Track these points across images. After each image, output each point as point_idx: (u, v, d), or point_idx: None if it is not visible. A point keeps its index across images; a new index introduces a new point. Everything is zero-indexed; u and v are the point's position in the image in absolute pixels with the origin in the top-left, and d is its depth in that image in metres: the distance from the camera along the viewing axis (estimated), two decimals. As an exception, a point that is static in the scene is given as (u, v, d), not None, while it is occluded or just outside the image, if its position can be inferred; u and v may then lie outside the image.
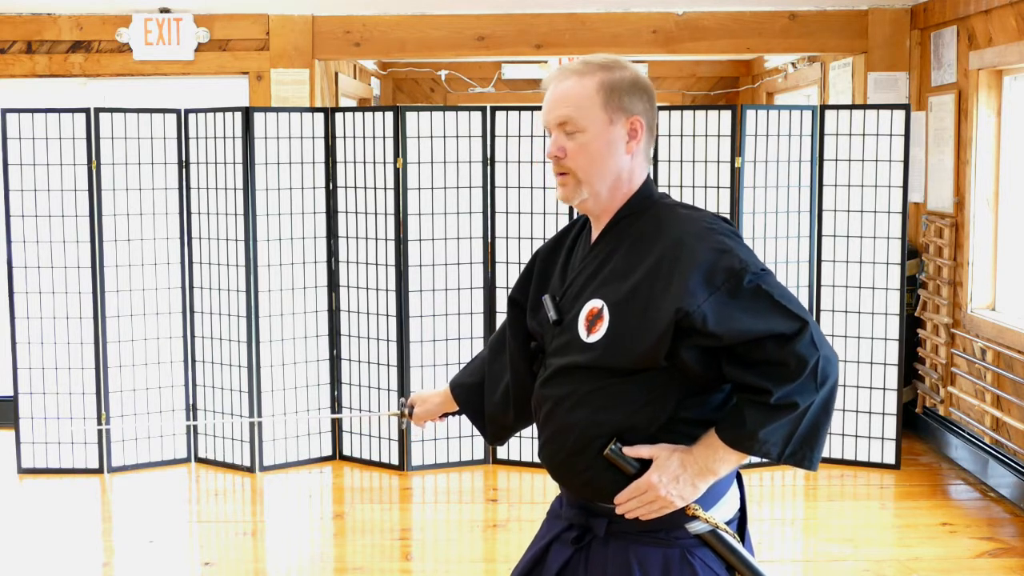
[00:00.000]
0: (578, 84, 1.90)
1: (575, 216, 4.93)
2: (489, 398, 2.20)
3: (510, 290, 2.17)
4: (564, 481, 1.98)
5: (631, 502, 1.86)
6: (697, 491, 1.85)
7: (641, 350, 1.82)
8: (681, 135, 4.93)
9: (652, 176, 2.08)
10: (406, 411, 2.37)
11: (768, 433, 1.78)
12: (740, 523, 1.97)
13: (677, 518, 1.87)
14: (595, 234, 1.99)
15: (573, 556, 1.95)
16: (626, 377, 1.85)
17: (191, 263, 5.18)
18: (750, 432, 1.79)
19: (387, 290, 5.04)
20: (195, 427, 5.23)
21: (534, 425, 2.09)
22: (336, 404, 5.24)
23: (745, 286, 1.78)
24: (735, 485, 1.97)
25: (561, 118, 1.90)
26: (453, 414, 2.34)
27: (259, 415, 5.05)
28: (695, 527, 1.88)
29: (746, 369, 1.79)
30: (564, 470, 1.95)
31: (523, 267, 2.16)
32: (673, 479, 1.83)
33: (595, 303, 1.89)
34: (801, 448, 1.80)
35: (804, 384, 1.77)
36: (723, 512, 1.91)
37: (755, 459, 1.91)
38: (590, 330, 1.88)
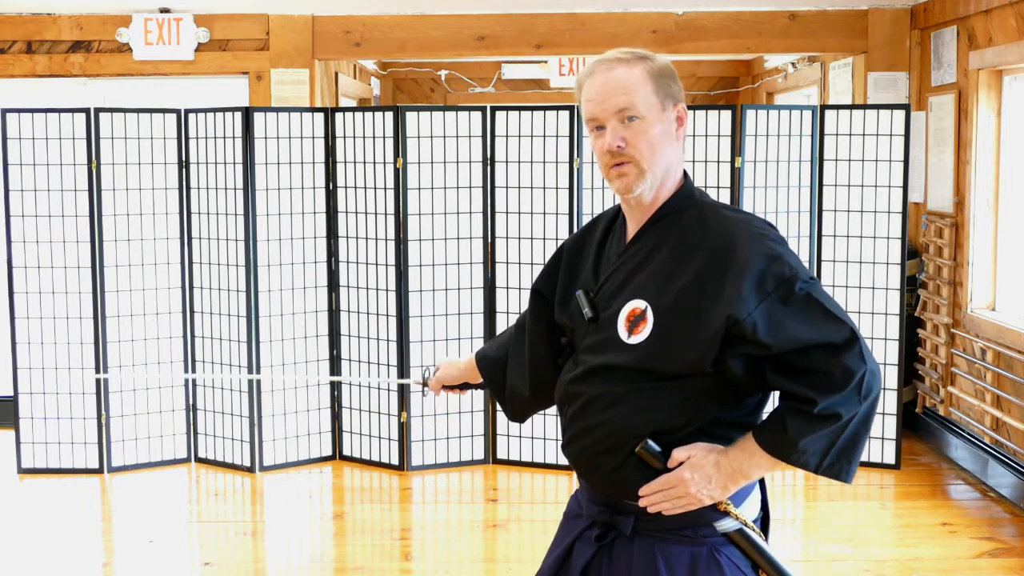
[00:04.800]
0: (630, 72, 1.87)
1: (574, 216, 4.94)
2: (510, 377, 2.18)
3: (533, 282, 2.15)
4: (591, 478, 1.96)
5: (657, 495, 1.84)
6: (727, 492, 1.84)
7: (689, 356, 1.79)
8: (685, 133, 4.92)
9: None
10: (428, 374, 2.36)
11: (808, 443, 1.76)
12: (763, 523, 1.97)
13: (706, 516, 1.87)
14: (631, 230, 1.95)
15: (596, 554, 1.93)
16: (666, 381, 1.83)
17: (191, 263, 5.18)
18: (791, 440, 1.77)
19: (387, 290, 5.04)
20: (194, 416, 5.23)
21: (539, 427, 2.06)
22: (336, 403, 5.25)
23: (796, 293, 1.76)
24: (758, 486, 1.96)
25: (621, 105, 1.86)
26: (476, 387, 2.33)
27: (259, 415, 5.05)
28: (723, 525, 1.88)
29: (791, 377, 1.77)
30: (593, 467, 1.92)
31: (549, 259, 2.13)
32: (705, 479, 1.82)
33: (637, 304, 1.86)
34: (839, 461, 1.79)
35: (848, 396, 1.75)
36: (747, 512, 1.91)
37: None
38: (631, 331, 1.85)
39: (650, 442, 1.84)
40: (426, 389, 2.40)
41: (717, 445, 1.85)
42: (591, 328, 1.93)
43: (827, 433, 1.77)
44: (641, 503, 1.86)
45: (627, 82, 1.87)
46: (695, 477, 1.82)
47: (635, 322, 1.85)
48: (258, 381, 5.04)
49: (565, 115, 4.95)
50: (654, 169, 1.88)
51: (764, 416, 1.90)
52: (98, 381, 5.07)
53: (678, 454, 1.83)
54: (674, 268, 1.85)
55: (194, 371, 5.22)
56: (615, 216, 2.03)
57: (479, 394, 5.11)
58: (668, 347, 1.81)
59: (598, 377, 1.90)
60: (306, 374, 5.15)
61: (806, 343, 1.75)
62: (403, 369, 5.02)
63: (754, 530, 1.90)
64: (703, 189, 5.04)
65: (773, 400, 1.90)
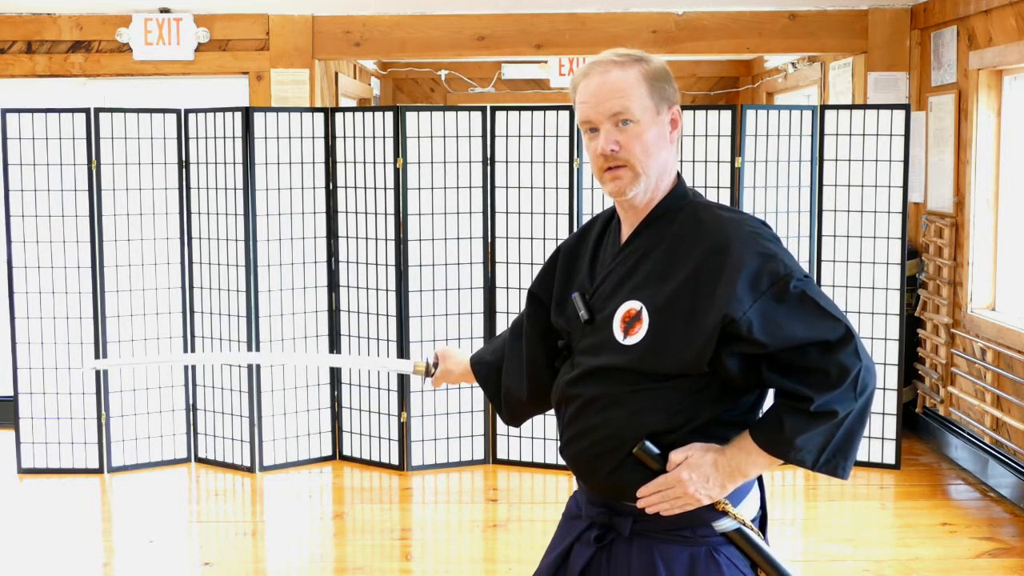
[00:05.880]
0: (624, 75, 1.87)
1: (574, 216, 4.93)
2: (507, 381, 2.18)
3: (530, 284, 2.14)
4: (589, 479, 1.95)
5: (655, 496, 1.84)
6: (725, 491, 1.84)
7: (685, 356, 1.79)
8: (681, 135, 4.92)
9: None
10: (431, 365, 2.38)
11: (805, 440, 1.77)
12: (761, 522, 1.97)
13: (704, 516, 1.87)
14: (626, 232, 1.95)
15: (595, 555, 1.93)
16: (663, 381, 1.83)
17: (191, 263, 5.18)
18: (788, 438, 1.77)
19: (387, 290, 5.04)
20: (194, 416, 5.23)
21: (539, 427, 2.04)
22: (336, 403, 5.25)
23: (791, 292, 1.76)
24: (756, 485, 1.96)
25: (615, 109, 1.86)
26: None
27: (259, 415, 5.05)
28: (721, 525, 1.88)
29: (787, 375, 1.78)
30: (591, 469, 1.92)
31: (545, 262, 2.13)
32: (703, 478, 1.82)
33: (632, 305, 1.86)
34: (835, 457, 1.80)
35: (844, 393, 1.75)
36: (746, 511, 1.91)
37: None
38: (627, 332, 1.85)
39: (647, 443, 1.84)
40: (427, 380, 2.41)
41: (714, 444, 1.85)
42: (587, 330, 1.93)
43: (823, 430, 1.77)
44: (639, 504, 1.86)
45: (622, 85, 1.86)
46: (693, 477, 1.82)
47: (631, 323, 1.85)
48: (258, 382, 5.04)
49: (565, 115, 4.95)
50: (648, 172, 1.88)
51: (760, 414, 1.90)
52: (98, 381, 5.07)
53: (675, 456, 1.83)
54: (669, 268, 1.85)
55: (195, 381, 5.22)
56: (610, 218, 2.03)
57: (479, 394, 5.11)
58: (664, 347, 1.82)
59: (595, 379, 1.90)
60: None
61: (801, 341, 1.75)
62: (402, 375, 5.01)
63: (752, 529, 1.90)
64: (699, 190, 5.05)
65: (770, 398, 1.91)
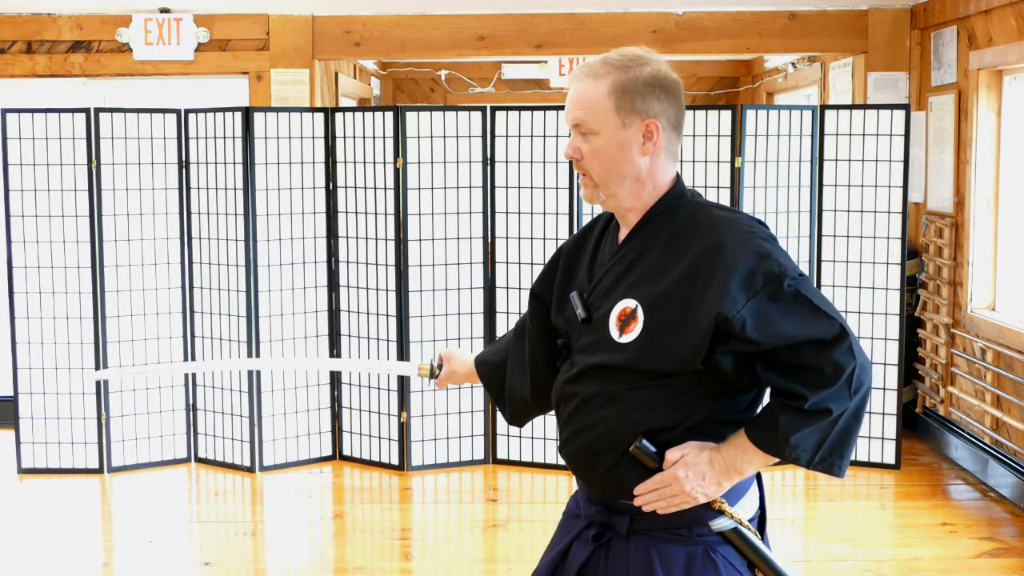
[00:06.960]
0: (592, 87, 1.88)
1: (574, 216, 4.94)
2: (510, 381, 2.19)
3: (531, 284, 2.17)
4: (587, 478, 1.96)
5: (651, 494, 1.85)
6: (721, 489, 1.85)
7: (679, 354, 1.80)
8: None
9: None
10: (436, 367, 2.39)
11: (800, 438, 1.77)
12: (760, 522, 1.97)
13: (701, 515, 1.87)
14: (623, 232, 1.97)
15: (593, 554, 1.94)
16: (658, 379, 1.84)
17: (191, 263, 5.18)
18: (783, 437, 1.78)
19: (387, 290, 5.04)
20: (194, 415, 5.23)
21: (539, 427, 2.04)
22: (336, 403, 5.25)
23: (785, 291, 1.77)
24: (755, 484, 1.97)
25: (575, 120, 1.90)
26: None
27: (259, 415, 5.05)
28: (718, 524, 1.88)
29: (781, 374, 1.79)
30: (588, 467, 1.93)
31: (547, 262, 2.14)
32: (700, 476, 1.83)
33: (628, 303, 1.87)
34: (830, 455, 1.80)
35: (839, 391, 1.76)
36: (744, 510, 1.92)
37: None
38: (623, 330, 1.86)
39: (644, 441, 1.84)
40: (432, 382, 2.42)
41: (710, 443, 1.86)
42: (585, 328, 1.95)
43: (818, 428, 1.78)
44: (636, 502, 1.87)
45: (586, 97, 1.89)
46: (689, 475, 1.82)
47: (626, 321, 1.87)
48: (258, 382, 5.04)
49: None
50: (608, 184, 1.90)
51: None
52: (98, 381, 5.07)
53: (671, 455, 1.84)
54: (664, 267, 1.86)
55: (195, 381, 5.22)
56: (611, 218, 2.04)
57: (479, 394, 5.11)
58: (658, 345, 1.83)
59: (592, 377, 1.91)
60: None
61: (795, 339, 1.76)
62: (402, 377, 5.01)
63: (749, 528, 1.90)
64: (699, 190, 5.03)
65: (767, 397, 1.91)
